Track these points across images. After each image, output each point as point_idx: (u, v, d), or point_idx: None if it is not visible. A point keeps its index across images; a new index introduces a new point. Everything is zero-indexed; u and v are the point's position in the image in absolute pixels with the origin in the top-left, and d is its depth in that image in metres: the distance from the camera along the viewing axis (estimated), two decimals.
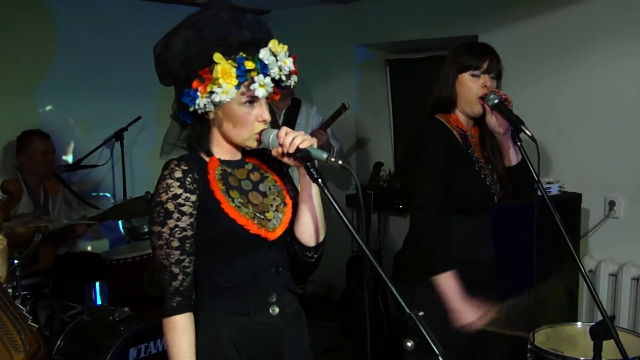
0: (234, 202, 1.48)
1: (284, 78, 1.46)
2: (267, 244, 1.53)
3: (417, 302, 1.98)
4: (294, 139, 1.40)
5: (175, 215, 1.42)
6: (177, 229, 1.43)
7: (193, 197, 1.44)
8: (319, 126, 3.87)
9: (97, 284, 4.07)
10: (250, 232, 1.48)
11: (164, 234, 1.43)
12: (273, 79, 1.44)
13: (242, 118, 1.45)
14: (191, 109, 1.45)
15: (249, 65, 1.40)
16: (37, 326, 1.66)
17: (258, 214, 1.51)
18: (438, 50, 4.18)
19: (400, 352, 1.24)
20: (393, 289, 1.24)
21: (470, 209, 2.04)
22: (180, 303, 1.45)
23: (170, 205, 1.42)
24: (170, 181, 1.43)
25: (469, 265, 1.99)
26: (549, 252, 1.92)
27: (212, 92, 1.40)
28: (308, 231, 1.60)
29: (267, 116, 1.47)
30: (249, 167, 1.58)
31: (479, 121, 2.06)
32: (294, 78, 1.49)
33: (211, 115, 1.48)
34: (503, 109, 1.94)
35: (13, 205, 2.18)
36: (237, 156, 1.57)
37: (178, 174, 1.43)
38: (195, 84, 1.41)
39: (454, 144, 2.04)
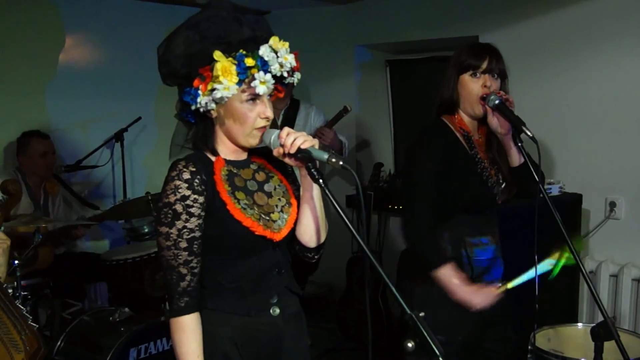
0: (239, 203, 1.48)
1: (285, 75, 1.46)
2: (272, 245, 1.54)
3: (419, 297, 2.01)
4: (295, 139, 1.41)
5: (184, 216, 1.42)
6: (185, 230, 1.43)
7: (201, 199, 1.44)
8: (324, 124, 3.87)
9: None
10: (256, 233, 1.48)
11: (172, 235, 1.43)
12: (274, 76, 1.44)
13: (244, 115, 1.46)
14: (193, 107, 1.45)
15: (249, 62, 1.40)
16: (37, 326, 1.66)
17: (263, 215, 1.51)
18: (438, 51, 4.19)
19: (401, 353, 1.24)
20: (394, 290, 1.24)
21: (471, 209, 2.04)
22: (188, 303, 1.45)
23: (178, 207, 1.42)
24: (178, 182, 1.43)
25: (468, 264, 2.00)
26: (549, 253, 1.92)
27: (213, 90, 1.40)
28: (309, 232, 1.60)
29: (269, 113, 1.47)
30: (254, 167, 1.58)
31: (484, 122, 2.06)
32: (297, 75, 1.49)
33: (214, 114, 1.48)
34: (504, 109, 1.93)
35: (13, 205, 2.18)
36: (243, 156, 1.57)
37: (186, 176, 1.43)
38: (196, 82, 1.41)
39: (456, 146, 2.04)
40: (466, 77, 2.01)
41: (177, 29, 1.47)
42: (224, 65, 1.39)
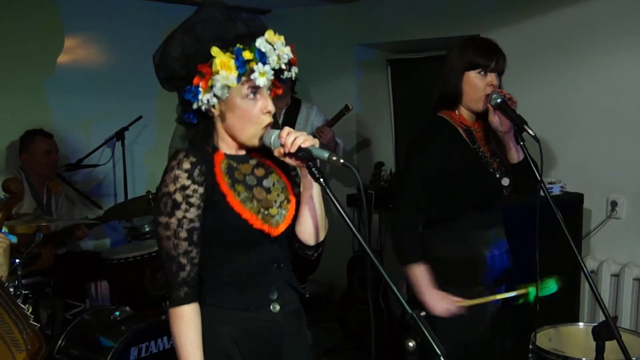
0: (239, 196, 1.49)
1: (283, 67, 1.46)
2: (270, 240, 1.54)
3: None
4: (296, 138, 1.41)
5: (184, 206, 1.43)
6: (185, 219, 1.43)
7: (201, 189, 1.44)
8: (325, 124, 3.87)
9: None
10: (254, 227, 1.48)
11: (171, 225, 1.43)
12: (273, 69, 1.44)
13: (247, 111, 1.46)
14: (195, 105, 1.45)
15: (247, 55, 1.40)
16: (38, 325, 1.66)
17: (262, 209, 1.51)
18: (439, 50, 4.18)
19: (402, 352, 1.24)
20: (395, 289, 1.24)
21: (481, 204, 2.04)
22: (188, 293, 1.45)
23: (178, 197, 1.42)
24: (178, 172, 1.43)
25: (482, 259, 2.01)
26: (551, 252, 1.92)
27: (213, 86, 1.40)
28: (308, 230, 1.60)
29: (271, 107, 1.48)
30: (253, 162, 1.58)
31: (482, 116, 2.06)
32: (295, 69, 1.49)
33: (215, 112, 1.48)
34: (506, 108, 1.93)
35: (15, 204, 2.18)
36: (242, 151, 1.57)
37: (186, 166, 1.43)
38: (196, 80, 1.41)
39: (458, 141, 2.04)
40: (472, 75, 2.01)
41: (172, 33, 1.47)
42: (222, 60, 1.39)
